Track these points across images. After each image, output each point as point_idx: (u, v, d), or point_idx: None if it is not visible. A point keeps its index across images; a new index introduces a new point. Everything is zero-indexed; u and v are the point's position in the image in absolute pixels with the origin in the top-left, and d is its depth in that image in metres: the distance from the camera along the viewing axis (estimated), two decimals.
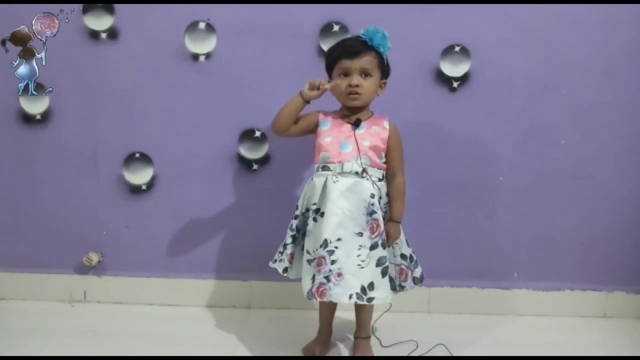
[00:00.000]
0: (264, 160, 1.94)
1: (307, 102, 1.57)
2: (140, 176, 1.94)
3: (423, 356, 1.67)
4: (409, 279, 1.61)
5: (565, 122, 1.91)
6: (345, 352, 1.71)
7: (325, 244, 1.49)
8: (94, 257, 1.96)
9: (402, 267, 1.60)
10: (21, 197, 1.97)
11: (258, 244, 1.95)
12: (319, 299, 1.48)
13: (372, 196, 1.52)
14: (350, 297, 1.47)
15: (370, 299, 1.49)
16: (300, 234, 1.60)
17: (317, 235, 1.52)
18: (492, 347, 1.75)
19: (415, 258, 1.63)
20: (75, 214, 1.97)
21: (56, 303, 1.99)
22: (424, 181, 1.92)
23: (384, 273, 1.52)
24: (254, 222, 1.96)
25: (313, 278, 1.50)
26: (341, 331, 1.81)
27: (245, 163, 1.94)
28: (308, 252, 1.54)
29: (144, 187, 1.96)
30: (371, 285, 1.49)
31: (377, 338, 1.74)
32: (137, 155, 1.94)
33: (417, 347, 1.71)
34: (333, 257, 1.48)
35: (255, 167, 1.94)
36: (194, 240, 1.98)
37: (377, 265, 1.51)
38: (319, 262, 1.49)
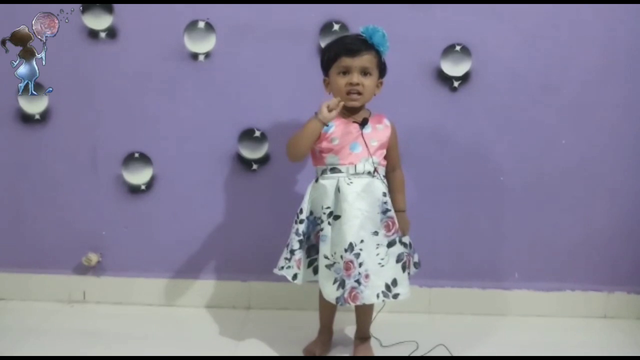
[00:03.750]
0: (263, 160, 1.94)
1: (326, 124, 1.51)
2: (139, 176, 1.94)
3: (423, 356, 1.67)
4: (411, 266, 1.64)
5: (565, 122, 1.91)
6: (345, 353, 1.71)
7: (351, 247, 1.49)
8: (93, 258, 1.95)
9: (406, 255, 1.61)
10: (20, 197, 1.96)
11: (258, 244, 1.94)
12: (352, 304, 1.50)
13: (384, 194, 1.54)
14: (378, 296, 1.50)
15: (395, 295, 1.52)
16: (305, 238, 1.58)
17: (337, 239, 1.51)
18: (492, 347, 1.74)
19: (412, 244, 1.66)
20: (75, 214, 1.97)
21: (56, 303, 1.98)
22: (424, 181, 1.92)
23: (404, 268, 1.54)
24: (254, 222, 1.96)
25: (341, 283, 1.50)
26: (341, 332, 1.81)
27: (245, 163, 1.94)
28: (326, 257, 1.53)
29: (143, 187, 1.95)
30: (394, 282, 1.52)
31: (377, 338, 1.74)
32: (137, 155, 1.93)
33: (418, 347, 1.70)
34: (360, 260, 1.50)
35: (255, 167, 1.94)
36: (193, 240, 1.97)
37: (397, 261, 1.54)
38: (347, 266, 1.49)
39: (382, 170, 1.59)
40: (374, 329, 1.72)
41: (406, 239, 1.62)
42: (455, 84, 1.88)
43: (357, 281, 1.49)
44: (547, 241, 1.97)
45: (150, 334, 1.78)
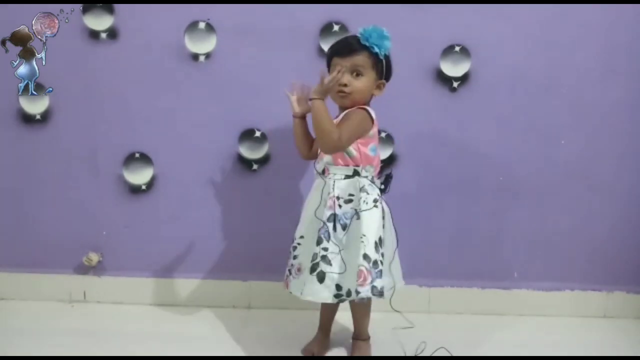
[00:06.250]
0: (264, 160, 1.94)
1: (301, 117, 1.63)
2: (140, 176, 1.94)
3: (423, 356, 1.67)
4: (367, 285, 1.47)
5: (565, 122, 1.91)
6: (344, 353, 1.71)
7: (292, 240, 1.61)
8: (94, 257, 1.96)
9: (362, 269, 1.47)
10: (21, 197, 1.96)
11: (258, 244, 1.94)
12: (286, 289, 1.60)
13: (329, 194, 1.54)
14: (302, 292, 1.54)
15: (302, 293, 1.54)
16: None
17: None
18: (492, 347, 1.74)
19: (380, 268, 1.49)
20: (76, 214, 1.97)
21: (56, 303, 1.99)
22: (424, 181, 1.92)
23: (312, 270, 1.51)
24: (254, 222, 1.96)
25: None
26: (341, 331, 1.81)
27: (245, 163, 1.94)
28: None
29: (143, 187, 1.95)
30: (304, 282, 1.55)
31: (376, 339, 1.74)
32: (137, 155, 1.94)
33: (417, 347, 1.70)
34: (295, 253, 1.59)
35: (255, 167, 1.94)
36: (193, 240, 1.98)
37: (311, 260, 1.53)
38: (288, 255, 1.62)
39: (340, 170, 1.54)
40: (373, 328, 1.72)
41: (373, 255, 1.48)
42: (455, 84, 1.88)
43: (289, 271, 1.60)
44: (547, 241, 1.97)
45: (151, 334, 1.78)
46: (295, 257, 1.59)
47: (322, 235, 1.51)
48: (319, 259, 1.51)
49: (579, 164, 1.93)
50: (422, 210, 1.92)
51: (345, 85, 1.51)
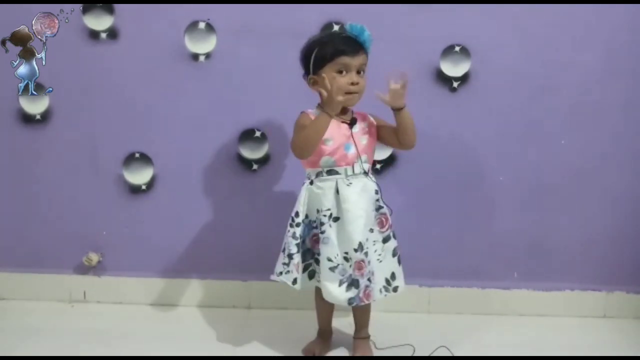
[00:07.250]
0: (264, 160, 1.94)
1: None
2: (140, 176, 1.94)
3: (424, 356, 1.67)
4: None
5: (565, 122, 1.91)
6: (345, 353, 1.71)
7: (360, 247, 1.51)
8: (94, 257, 1.96)
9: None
10: (21, 197, 1.97)
11: (258, 244, 1.94)
12: (366, 302, 1.55)
13: (377, 192, 1.56)
14: (380, 291, 1.56)
15: (395, 288, 1.58)
16: (300, 242, 1.57)
17: (342, 241, 1.51)
18: (492, 347, 1.74)
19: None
20: (75, 214, 1.97)
21: (56, 303, 1.99)
22: (424, 181, 1.92)
23: (399, 261, 1.58)
24: (254, 222, 1.96)
25: (352, 283, 1.51)
26: (341, 332, 1.81)
27: (245, 163, 1.94)
28: (330, 260, 1.51)
29: (143, 187, 1.96)
30: (393, 276, 1.57)
31: (375, 340, 1.74)
32: (137, 155, 1.94)
33: (417, 347, 1.70)
34: (368, 258, 1.53)
35: (255, 167, 1.94)
36: (193, 240, 1.98)
37: (393, 255, 1.57)
38: (359, 265, 1.51)
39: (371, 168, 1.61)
40: (374, 328, 1.72)
41: None
42: (455, 84, 1.88)
43: (369, 279, 1.53)
44: (547, 241, 1.97)
45: (151, 334, 1.78)
46: (370, 263, 1.52)
47: (395, 231, 1.59)
48: (400, 251, 1.59)
49: (578, 164, 1.93)
50: (422, 210, 1.93)
51: (358, 84, 1.51)
